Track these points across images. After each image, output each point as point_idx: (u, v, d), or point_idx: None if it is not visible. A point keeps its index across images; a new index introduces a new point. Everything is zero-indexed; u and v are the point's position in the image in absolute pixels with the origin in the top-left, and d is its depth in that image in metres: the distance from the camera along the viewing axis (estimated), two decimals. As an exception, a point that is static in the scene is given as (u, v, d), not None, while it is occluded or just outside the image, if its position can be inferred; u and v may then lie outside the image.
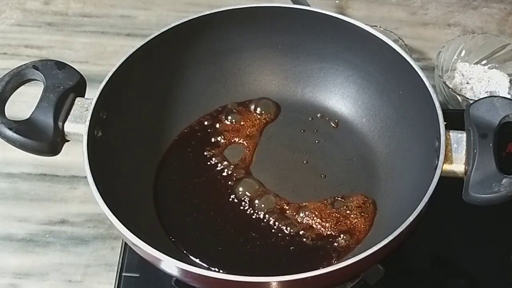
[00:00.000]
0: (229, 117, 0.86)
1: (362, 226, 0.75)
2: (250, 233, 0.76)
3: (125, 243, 0.78)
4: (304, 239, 0.75)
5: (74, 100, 0.74)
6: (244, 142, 0.84)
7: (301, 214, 0.77)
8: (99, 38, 1.07)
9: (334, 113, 0.87)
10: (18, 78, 0.73)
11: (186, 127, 0.86)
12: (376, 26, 0.98)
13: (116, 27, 1.09)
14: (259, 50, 0.87)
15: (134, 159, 0.79)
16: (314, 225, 0.76)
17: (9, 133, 0.70)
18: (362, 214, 0.76)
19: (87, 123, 0.71)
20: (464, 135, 0.70)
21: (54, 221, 0.84)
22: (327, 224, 0.76)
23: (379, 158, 0.82)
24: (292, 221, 0.76)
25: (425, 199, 0.65)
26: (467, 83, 0.94)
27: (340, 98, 0.87)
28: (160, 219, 0.77)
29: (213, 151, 0.83)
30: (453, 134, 0.70)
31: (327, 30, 0.82)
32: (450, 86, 0.92)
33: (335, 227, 0.76)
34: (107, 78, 0.75)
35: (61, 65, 0.75)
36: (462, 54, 0.97)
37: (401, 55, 0.76)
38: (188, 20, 0.81)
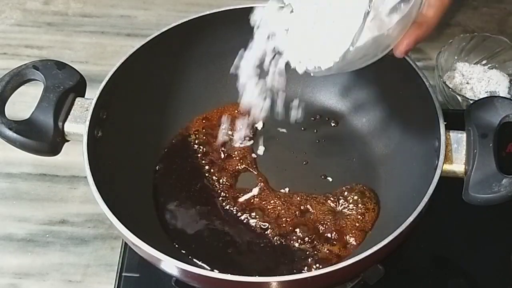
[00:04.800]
0: (229, 118, 0.86)
1: (363, 226, 0.75)
2: (250, 234, 0.76)
3: (125, 243, 0.78)
4: (304, 240, 0.75)
5: (74, 100, 0.74)
6: (244, 143, 0.84)
7: (301, 215, 0.77)
8: (99, 38, 1.07)
9: (334, 113, 0.87)
10: (18, 78, 0.73)
11: (186, 127, 0.86)
12: (376, 26, 0.98)
13: (116, 27, 1.09)
14: (259, 50, 0.87)
15: (134, 159, 0.79)
16: (313, 226, 0.76)
17: (9, 133, 0.70)
18: (362, 214, 0.76)
19: (87, 123, 0.71)
20: (464, 135, 0.70)
21: (54, 221, 0.84)
22: (327, 225, 0.76)
23: (379, 158, 0.82)
24: (292, 222, 0.76)
25: (425, 199, 0.65)
26: (467, 83, 0.94)
27: (340, 98, 0.87)
28: (159, 219, 0.78)
29: (212, 150, 0.83)
30: (453, 134, 0.70)
31: (327, 30, 0.82)
32: (450, 86, 0.92)
33: (335, 227, 0.75)
34: (107, 78, 0.75)
35: (61, 65, 0.76)
36: (462, 54, 0.97)
37: (401, 55, 0.76)
38: (188, 20, 0.81)
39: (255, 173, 0.81)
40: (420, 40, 0.62)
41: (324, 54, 0.60)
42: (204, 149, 0.83)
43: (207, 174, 0.81)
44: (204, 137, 0.84)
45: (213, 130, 0.85)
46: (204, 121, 0.86)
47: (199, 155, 0.83)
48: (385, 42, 0.60)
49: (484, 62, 0.97)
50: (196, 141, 0.84)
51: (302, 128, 0.86)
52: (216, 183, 0.80)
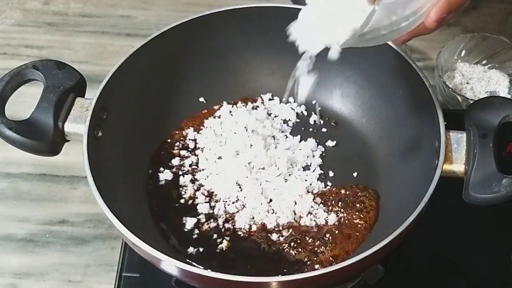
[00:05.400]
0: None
1: (362, 226, 0.75)
2: (250, 234, 0.76)
3: (125, 243, 0.78)
4: (305, 240, 0.74)
5: (74, 100, 0.74)
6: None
7: (301, 215, 0.77)
8: (99, 38, 1.08)
9: (334, 113, 0.87)
10: (18, 78, 0.73)
11: (184, 126, 0.86)
12: (376, 26, 0.98)
13: (116, 27, 1.09)
14: (259, 50, 0.87)
15: (134, 159, 0.79)
16: (313, 226, 0.76)
17: (9, 133, 0.70)
18: (362, 214, 0.76)
19: (87, 123, 0.71)
20: (464, 135, 0.70)
21: (54, 221, 0.84)
22: (327, 225, 0.76)
23: (379, 158, 0.82)
24: (292, 223, 0.76)
25: (425, 199, 0.65)
26: (467, 83, 0.94)
27: (340, 98, 0.87)
28: (159, 219, 0.77)
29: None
30: (453, 134, 0.70)
31: (327, 30, 0.82)
32: (450, 86, 0.92)
33: (335, 227, 0.75)
34: (107, 78, 0.75)
35: (61, 65, 0.75)
36: (462, 54, 0.97)
37: (401, 55, 0.76)
38: (188, 20, 0.81)
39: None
40: (452, 8, 0.59)
41: (351, 20, 0.59)
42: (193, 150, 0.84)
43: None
44: (193, 138, 0.84)
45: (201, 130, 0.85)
46: (204, 121, 0.86)
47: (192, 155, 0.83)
48: (414, 5, 0.58)
49: (484, 62, 0.97)
50: (188, 142, 0.84)
51: (302, 129, 0.86)
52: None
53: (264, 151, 0.80)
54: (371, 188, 0.79)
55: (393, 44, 0.76)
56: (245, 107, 0.87)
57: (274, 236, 0.75)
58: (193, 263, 0.72)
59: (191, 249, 0.74)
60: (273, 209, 0.77)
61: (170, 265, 0.62)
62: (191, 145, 0.84)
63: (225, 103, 0.87)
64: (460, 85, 0.94)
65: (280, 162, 0.79)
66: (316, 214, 0.77)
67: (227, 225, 0.76)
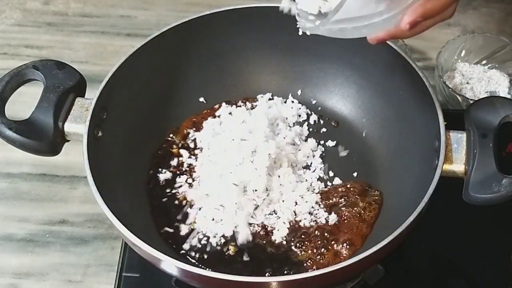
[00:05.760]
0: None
1: (363, 226, 0.75)
2: (250, 234, 0.76)
3: (125, 243, 0.78)
4: (305, 240, 0.74)
5: (74, 100, 0.74)
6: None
7: (301, 215, 0.77)
8: (99, 38, 1.08)
9: (334, 113, 0.87)
10: (18, 78, 0.73)
11: (183, 126, 0.86)
12: (376, 26, 0.98)
13: (116, 27, 1.09)
14: (259, 50, 0.87)
15: (134, 159, 0.79)
16: (313, 226, 0.76)
17: (9, 133, 0.70)
18: (362, 214, 0.76)
19: (87, 123, 0.71)
20: (464, 135, 0.70)
21: (54, 221, 0.84)
22: (327, 225, 0.76)
23: (379, 158, 0.82)
24: (293, 222, 0.76)
25: (425, 199, 0.65)
26: (467, 83, 0.94)
27: (340, 98, 0.87)
28: (160, 219, 0.77)
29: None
30: (453, 134, 0.70)
31: (327, 30, 0.82)
32: (450, 86, 0.92)
33: (336, 228, 0.75)
34: (107, 78, 0.75)
35: (61, 65, 0.76)
36: (462, 54, 0.97)
37: (401, 55, 0.76)
38: (188, 20, 0.81)
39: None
40: (428, 15, 0.58)
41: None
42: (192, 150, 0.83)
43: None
44: (192, 138, 0.84)
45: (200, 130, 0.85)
46: (205, 121, 0.86)
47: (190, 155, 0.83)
48: (388, 2, 0.57)
49: (484, 62, 0.97)
50: (188, 142, 0.84)
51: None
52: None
53: (264, 151, 0.80)
54: (371, 188, 0.79)
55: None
56: (245, 107, 0.87)
57: (275, 237, 0.75)
58: (193, 263, 0.72)
59: (193, 253, 0.74)
60: (273, 209, 0.77)
61: (170, 265, 0.62)
62: (191, 145, 0.84)
63: (225, 103, 0.87)
64: (460, 85, 0.94)
65: (280, 162, 0.79)
66: (316, 214, 0.77)
67: (227, 226, 0.76)
